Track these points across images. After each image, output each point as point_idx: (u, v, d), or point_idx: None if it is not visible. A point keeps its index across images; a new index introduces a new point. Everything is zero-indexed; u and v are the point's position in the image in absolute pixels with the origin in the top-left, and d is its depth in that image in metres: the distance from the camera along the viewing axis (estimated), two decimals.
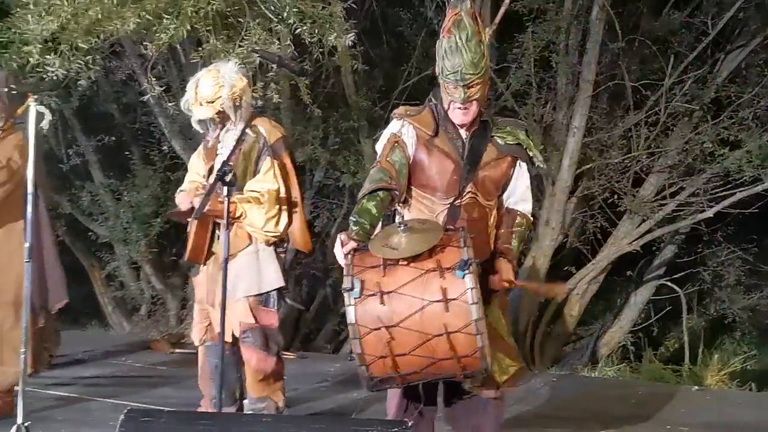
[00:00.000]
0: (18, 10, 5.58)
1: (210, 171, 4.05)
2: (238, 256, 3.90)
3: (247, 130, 3.90)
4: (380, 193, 3.08)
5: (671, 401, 5.47)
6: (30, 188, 3.87)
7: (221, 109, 3.93)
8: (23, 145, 4.05)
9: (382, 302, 2.74)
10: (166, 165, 9.08)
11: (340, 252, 2.89)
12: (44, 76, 5.81)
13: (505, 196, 3.34)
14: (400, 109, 3.31)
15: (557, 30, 7.38)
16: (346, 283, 2.77)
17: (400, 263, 2.81)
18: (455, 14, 3.08)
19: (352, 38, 5.75)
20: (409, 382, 2.93)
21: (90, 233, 9.16)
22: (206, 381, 4.22)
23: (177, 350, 6.82)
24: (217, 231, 3.98)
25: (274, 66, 4.21)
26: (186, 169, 8.89)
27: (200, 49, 5.61)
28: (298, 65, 4.44)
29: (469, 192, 3.19)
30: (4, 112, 4.36)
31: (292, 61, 4.26)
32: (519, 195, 3.35)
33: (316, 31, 5.57)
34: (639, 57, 7.70)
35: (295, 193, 4.06)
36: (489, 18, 7.23)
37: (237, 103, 3.95)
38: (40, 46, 5.34)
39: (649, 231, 7.57)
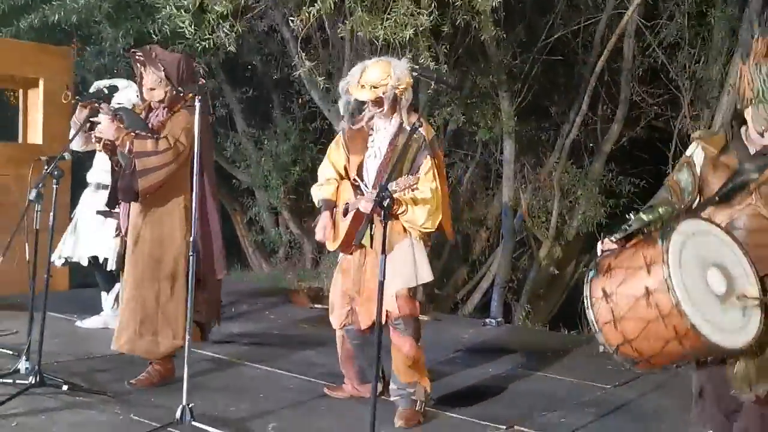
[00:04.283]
0: None
1: (359, 168, 4.11)
2: (394, 249, 3.95)
3: (406, 127, 3.92)
4: (660, 208, 3.35)
5: None
6: (195, 168, 4.10)
7: (381, 96, 3.96)
8: (190, 128, 4.12)
9: (605, 275, 3.12)
10: (304, 115, 9.26)
11: (599, 247, 3.26)
12: (196, 45, 6.00)
13: None
14: (697, 133, 3.50)
15: None
16: (590, 267, 3.22)
17: (627, 246, 3.16)
18: None
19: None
20: (644, 355, 3.07)
21: (233, 180, 9.54)
22: (347, 363, 4.39)
23: (316, 305, 7.04)
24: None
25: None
26: (324, 118, 8.93)
27: (347, 20, 5.59)
28: (455, 81, 4.39)
29: (749, 203, 3.25)
30: (175, 93, 4.44)
31: (449, 78, 4.19)
32: None
33: None
34: None
35: (444, 188, 4.07)
36: None
37: (399, 96, 3.99)
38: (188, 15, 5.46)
39: None
